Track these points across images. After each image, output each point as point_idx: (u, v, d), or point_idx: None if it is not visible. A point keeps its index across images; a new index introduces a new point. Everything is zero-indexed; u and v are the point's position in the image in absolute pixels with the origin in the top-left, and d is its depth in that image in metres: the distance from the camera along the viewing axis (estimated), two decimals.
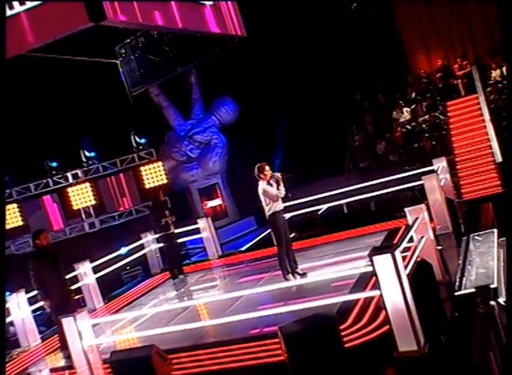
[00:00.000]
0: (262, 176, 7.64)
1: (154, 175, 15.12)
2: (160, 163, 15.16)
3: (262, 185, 7.61)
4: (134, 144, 15.10)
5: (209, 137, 16.24)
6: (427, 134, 14.39)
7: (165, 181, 15.19)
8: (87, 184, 14.61)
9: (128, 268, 13.90)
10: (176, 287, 10.29)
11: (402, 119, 15.51)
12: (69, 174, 14.54)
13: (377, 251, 5.00)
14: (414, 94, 16.01)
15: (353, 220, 10.76)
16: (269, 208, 7.77)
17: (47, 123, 13.62)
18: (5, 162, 5.61)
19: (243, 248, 12.35)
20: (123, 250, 11.84)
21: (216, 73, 15.31)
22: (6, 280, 5.53)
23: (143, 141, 15.17)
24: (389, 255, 4.88)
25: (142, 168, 15.05)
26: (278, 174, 7.75)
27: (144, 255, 11.77)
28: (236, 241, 14.53)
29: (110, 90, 13.94)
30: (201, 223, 11.74)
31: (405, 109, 15.62)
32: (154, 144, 15.33)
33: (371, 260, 4.95)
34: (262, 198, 7.69)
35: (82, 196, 14.55)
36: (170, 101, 16.05)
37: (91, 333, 6.07)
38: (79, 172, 14.69)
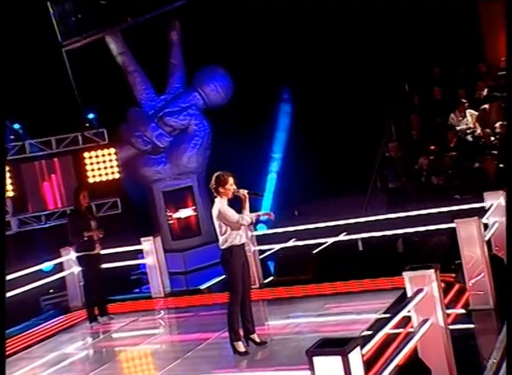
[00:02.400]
0: (221, 191, 7.30)
1: (102, 165, 14.93)
2: (113, 150, 15.02)
3: (220, 204, 7.30)
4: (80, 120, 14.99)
5: (187, 121, 15.97)
6: (494, 151, 13.51)
7: (117, 176, 15.09)
8: (7, 168, 13.91)
9: (51, 291, 13.74)
10: (89, 335, 9.96)
11: (462, 126, 14.76)
12: None
13: (322, 347, 4.03)
14: (485, 91, 15.31)
15: (365, 265, 10.54)
16: (225, 240, 7.37)
17: None
18: None
19: (203, 286, 12.29)
20: (47, 265, 11.70)
21: (207, 34, 15.10)
22: None
23: (91, 116, 14.93)
24: (338, 359, 3.92)
25: (86, 154, 14.85)
26: (244, 191, 7.38)
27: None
28: (205, 270, 14.47)
29: (48, 41, 13.85)
30: (146, 245, 11.46)
31: (469, 112, 14.88)
32: (107, 123, 15.04)
33: (311, 362, 3.99)
34: (217, 223, 7.35)
35: None
36: (139, 66, 15.82)
37: None
38: None
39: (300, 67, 15.69)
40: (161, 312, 10.53)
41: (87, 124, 14.88)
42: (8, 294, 9.97)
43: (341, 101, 15.55)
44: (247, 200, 7.30)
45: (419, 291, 5.44)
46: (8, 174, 14.11)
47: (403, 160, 14.48)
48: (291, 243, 11.43)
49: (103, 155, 14.83)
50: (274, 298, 9.80)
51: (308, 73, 15.70)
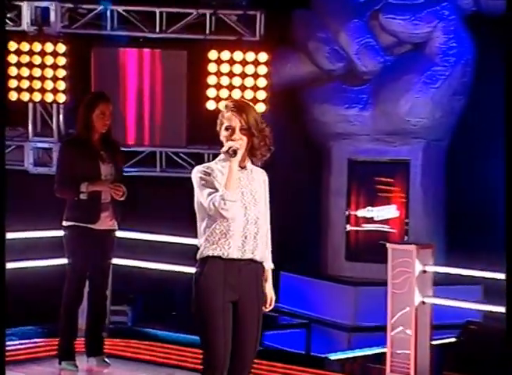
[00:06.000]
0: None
1: (238, 81, 14.20)
2: (265, 57, 14.15)
3: (197, 168, 7.46)
4: None
5: (428, 29, 14.36)
6: None
7: (263, 108, 14.11)
8: (63, 47, 13.75)
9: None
10: None
11: None
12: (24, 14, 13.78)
13: None
14: None
15: None
16: (203, 243, 7.36)
17: None
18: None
19: (335, 356, 12.43)
20: None
21: None
22: None
23: None
24: None
25: (214, 53, 14.09)
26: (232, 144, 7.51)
27: None
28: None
29: None
30: None
31: None
32: (266, 2, 14.45)
33: None
34: (197, 204, 7.32)
35: (39, 73, 13.90)
36: None
37: None
38: (53, 13, 13.75)
39: None
40: None
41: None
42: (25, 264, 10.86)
43: None
44: (236, 163, 6.83)
45: None
46: (62, 59, 13.62)
47: None
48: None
49: (245, 63, 13.77)
50: None
51: None
